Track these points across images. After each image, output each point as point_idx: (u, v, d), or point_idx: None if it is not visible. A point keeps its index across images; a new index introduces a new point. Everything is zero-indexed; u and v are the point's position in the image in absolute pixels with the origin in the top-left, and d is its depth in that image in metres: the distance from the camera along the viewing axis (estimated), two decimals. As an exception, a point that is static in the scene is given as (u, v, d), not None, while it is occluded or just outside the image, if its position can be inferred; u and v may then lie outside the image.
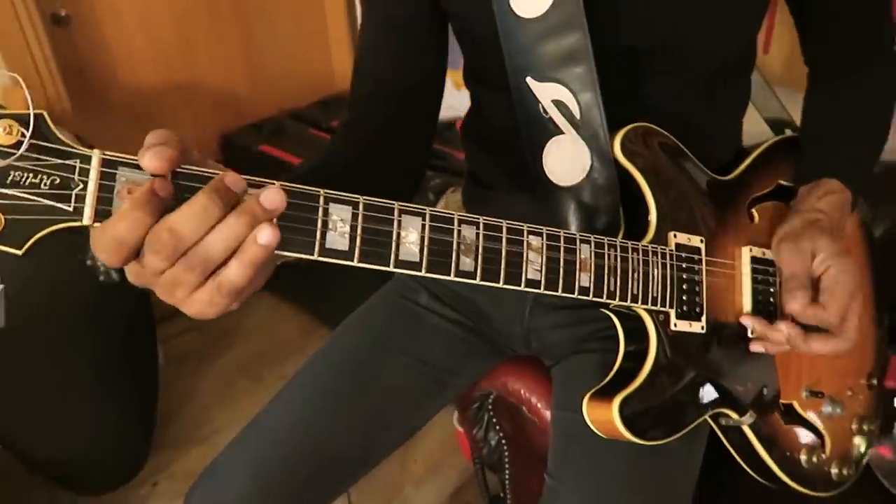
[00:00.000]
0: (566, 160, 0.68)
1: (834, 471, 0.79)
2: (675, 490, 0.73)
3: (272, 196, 0.43)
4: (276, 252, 0.45)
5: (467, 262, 0.53)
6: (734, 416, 0.71)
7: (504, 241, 0.55)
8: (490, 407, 1.00)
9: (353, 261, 0.48)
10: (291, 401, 0.83)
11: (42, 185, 0.39)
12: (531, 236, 0.57)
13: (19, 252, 0.39)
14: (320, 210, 0.47)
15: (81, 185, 0.40)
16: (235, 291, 0.43)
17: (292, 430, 0.80)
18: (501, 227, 0.55)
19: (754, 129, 0.93)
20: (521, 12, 0.66)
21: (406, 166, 0.77)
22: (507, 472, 1.02)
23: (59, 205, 0.39)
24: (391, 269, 0.50)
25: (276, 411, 0.82)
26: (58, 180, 0.39)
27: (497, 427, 1.01)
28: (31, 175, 0.39)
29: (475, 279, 0.53)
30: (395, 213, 0.50)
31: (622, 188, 0.68)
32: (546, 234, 0.57)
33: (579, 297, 0.59)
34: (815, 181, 0.74)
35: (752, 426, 0.72)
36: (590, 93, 0.66)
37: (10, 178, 0.38)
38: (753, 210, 0.76)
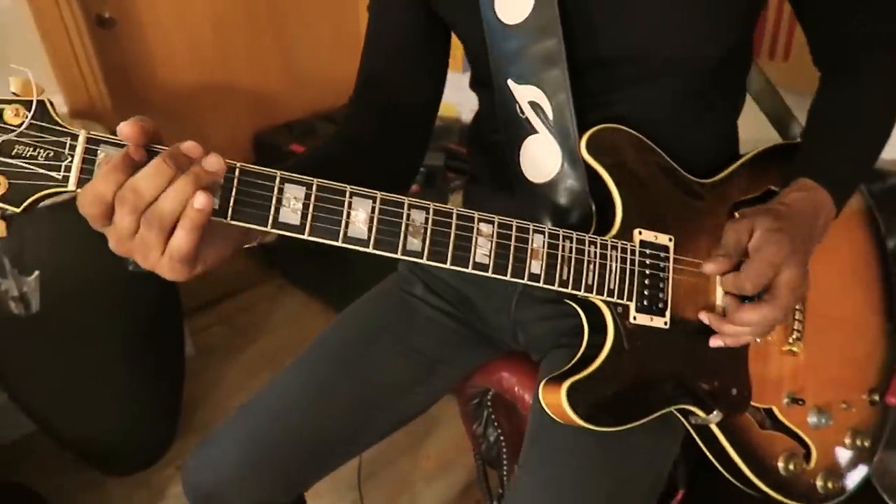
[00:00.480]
0: (539, 158, 0.78)
1: (819, 483, 0.84)
2: (634, 482, 0.80)
3: (212, 160, 0.55)
4: (233, 223, 0.57)
5: (415, 243, 0.63)
6: (700, 413, 0.77)
7: (453, 226, 0.65)
8: (489, 403, 1.09)
9: (303, 234, 0.59)
10: (289, 382, 0.94)
11: (39, 157, 0.52)
12: (482, 224, 0.66)
13: (18, 210, 0.52)
14: (275, 188, 0.58)
15: (70, 158, 0.52)
16: (185, 257, 0.55)
17: (286, 410, 0.92)
18: (452, 213, 0.65)
19: (763, 135, 0.98)
20: (505, 18, 0.76)
21: (393, 167, 0.88)
22: (504, 468, 1.10)
23: (51, 173, 0.52)
24: (339, 243, 0.60)
25: (274, 391, 0.94)
26: (52, 154, 0.52)
27: (496, 423, 1.10)
28: (31, 149, 0.52)
29: (422, 259, 0.63)
30: (347, 194, 0.61)
31: (595, 186, 0.76)
32: (497, 222, 0.67)
33: (530, 282, 0.68)
34: (796, 180, 0.80)
35: (720, 426, 0.78)
36: (563, 95, 0.75)
37: (14, 150, 0.52)
38: (737, 213, 0.82)
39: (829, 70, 0.88)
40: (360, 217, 0.61)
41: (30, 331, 1.44)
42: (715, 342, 0.76)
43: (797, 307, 0.84)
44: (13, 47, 1.58)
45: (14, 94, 0.52)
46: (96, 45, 1.69)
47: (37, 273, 1.37)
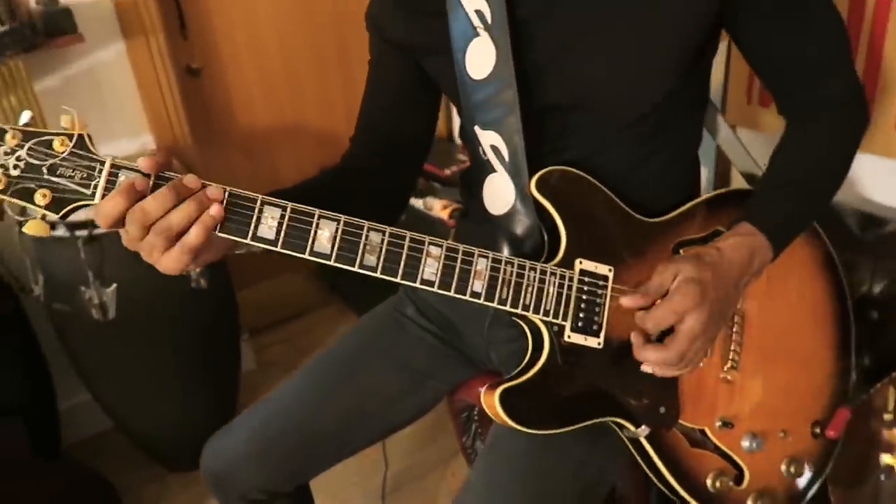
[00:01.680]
0: (497, 194, 0.88)
1: (749, 503, 0.88)
2: (562, 486, 0.87)
3: (213, 191, 0.69)
4: (220, 235, 0.70)
5: (371, 259, 0.74)
6: (630, 427, 0.84)
7: (406, 247, 0.75)
8: (476, 417, 1.17)
9: (276, 247, 0.72)
10: (294, 387, 1.07)
11: (75, 177, 0.67)
12: (432, 246, 0.77)
13: (57, 216, 0.67)
14: (256, 209, 0.71)
15: (98, 179, 0.67)
16: (194, 249, 0.68)
17: (288, 411, 1.04)
18: (405, 236, 0.76)
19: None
20: (473, 74, 0.87)
21: (384, 198, 0.99)
22: (486, 481, 1.17)
23: (83, 190, 0.67)
24: (306, 256, 0.72)
25: (281, 394, 1.06)
26: (85, 175, 0.67)
27: (482, 436, 1.18)
28: (69, 170, 0.67)
29: (376, 272, 0.75)
30: (315, 216, 0.73)
31: (547, 220, 0.85)
32: (446, 246, 0.77)
33: (472, 299, 0.78)
34: (737, 225, 0.85)
35: (650, 440, 0.85)
36: (517, 139, 0.85)
37: (58, 171, 0.67)
38: (682, 250, 0.89)
39: (790, 121, 0.92)
40: (324, 235, 0.73)
41: (107, 336, 1.62)
42: (645, 368, 0.83)
43: (735, 340, 0.90)
44: (113, 93, 1.82)
45: (63, 128, 0.68)
46: (183, 91, 1.90)
47: (115, 285, 1.55)
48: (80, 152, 0.67)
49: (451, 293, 0.77)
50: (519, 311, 0.80)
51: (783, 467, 0.91)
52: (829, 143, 0.90)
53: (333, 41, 2.22)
